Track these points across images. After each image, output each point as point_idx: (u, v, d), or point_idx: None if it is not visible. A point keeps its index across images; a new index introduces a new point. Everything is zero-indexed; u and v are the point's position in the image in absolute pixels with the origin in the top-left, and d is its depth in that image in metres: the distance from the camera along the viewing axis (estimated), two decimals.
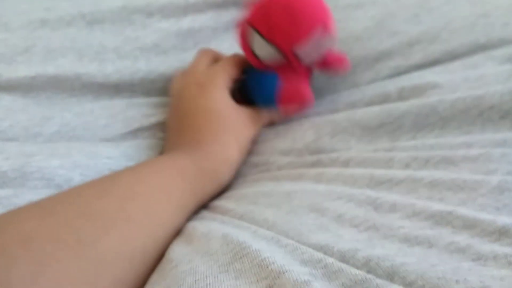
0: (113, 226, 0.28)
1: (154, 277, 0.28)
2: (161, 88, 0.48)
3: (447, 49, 0.48)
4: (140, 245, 0.29)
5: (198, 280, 0.24)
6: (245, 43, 0.41)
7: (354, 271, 0.22)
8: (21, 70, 0.43)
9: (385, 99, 0.42)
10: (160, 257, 0.30)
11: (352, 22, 0.51)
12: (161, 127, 0.46)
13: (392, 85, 0.43)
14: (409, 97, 0.41)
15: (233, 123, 0.40)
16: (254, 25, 0.39)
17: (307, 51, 0.40)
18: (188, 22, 0.51)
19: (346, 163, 0.34)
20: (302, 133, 0.41)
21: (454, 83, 0.41)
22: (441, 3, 0.51)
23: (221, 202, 0.35)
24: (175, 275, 0.26)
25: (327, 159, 0.36)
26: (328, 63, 0.44)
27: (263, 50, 0.40)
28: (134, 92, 0.47)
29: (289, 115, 0.44)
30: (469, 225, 0.24)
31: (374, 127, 0.38)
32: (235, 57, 0.44)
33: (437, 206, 0.26)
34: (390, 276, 0.22)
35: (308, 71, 0.44)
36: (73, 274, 0.24)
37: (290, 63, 0.41)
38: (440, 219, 0.25)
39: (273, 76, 0.42)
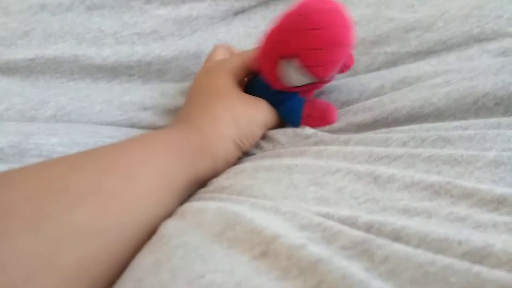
0: (82, 201, 0.26)
1: (142, 252, 0.27)
2: (158, 71, 0.48)
3: (442, 38, 0.48)
4: (115, 220, 0.27)
5: (189, 252, 0.23)
6: (272, 67, 0.38)
7: (355, 232, 0.22)
8: (20, 53, 0.44)
9: (378, 92, 0.42)
10: (143, 232, 0.28)
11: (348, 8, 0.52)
12: (158, 111, 0.46)
13: (387, 78, 0.44)
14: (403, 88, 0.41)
15: (232, 101, 0.38)
16: (297, 56, 0.36)
17: (335, 73, 0.39)
18: (186, 9, 0.51)
19: (346, 142, 0.35)
20: (301, 129, 0.41)
21: (448, 74, 0.41)
22: None
23: (219, 179, 0.35)
24: (166, 249, 0.25)
25: (328, 139, 0.36)
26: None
27: (297, 79, 0.38)
28: (132, 76, 0.48)
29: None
30: (468, 194, 0.24)
31: (369, 124, 0.38)
32: (252, 51, 0.41)
33: (435, 177, 0.26)
34: (392, 239, 0.22)
35: None
36: (26, 249, 0.23)
37: (317, 86, 0.40)
38: (439, 188, 0.25)
39: (299, 100, 0.41)
